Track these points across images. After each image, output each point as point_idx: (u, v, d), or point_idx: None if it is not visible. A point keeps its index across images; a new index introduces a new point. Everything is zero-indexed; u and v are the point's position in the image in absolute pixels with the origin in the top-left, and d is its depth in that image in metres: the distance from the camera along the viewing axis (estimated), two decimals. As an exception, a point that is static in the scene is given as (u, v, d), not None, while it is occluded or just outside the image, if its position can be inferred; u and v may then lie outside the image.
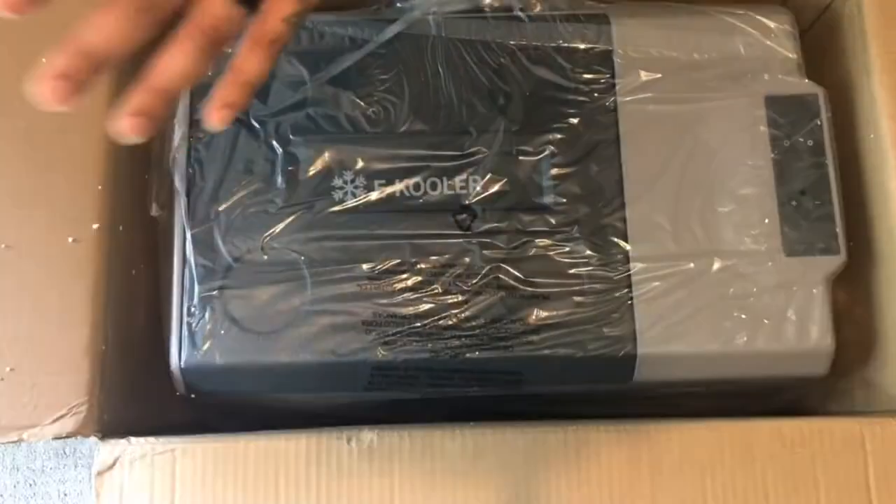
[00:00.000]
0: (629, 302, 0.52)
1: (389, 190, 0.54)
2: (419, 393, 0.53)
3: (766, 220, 0.53)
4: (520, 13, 0.56)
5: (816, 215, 0.53)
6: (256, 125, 0.55)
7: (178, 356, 0.52)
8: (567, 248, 0.53)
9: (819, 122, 0.54)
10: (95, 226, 0.51)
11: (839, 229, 0.53)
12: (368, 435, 0.48)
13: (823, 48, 0.60)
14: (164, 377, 0.53)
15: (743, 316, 0.52)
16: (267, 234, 0.53)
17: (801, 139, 0.54)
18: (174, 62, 0.36)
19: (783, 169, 0.54)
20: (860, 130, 0.56)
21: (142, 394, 0.54)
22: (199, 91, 0.55)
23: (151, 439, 0.48)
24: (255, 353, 0.52)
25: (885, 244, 0.54)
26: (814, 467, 0.48)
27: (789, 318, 0.52)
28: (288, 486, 0.47)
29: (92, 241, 0.51)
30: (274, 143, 0.54)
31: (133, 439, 0.48)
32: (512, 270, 0.52)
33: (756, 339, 0.52)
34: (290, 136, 0.54)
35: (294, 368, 0.52)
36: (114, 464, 0.48)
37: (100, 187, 0.51)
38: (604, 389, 0.54)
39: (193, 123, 0.55)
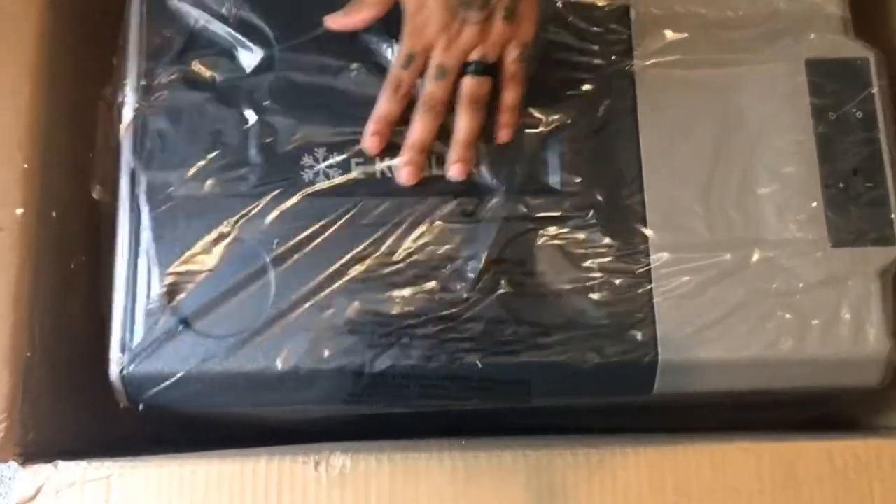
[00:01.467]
0: (652, 299, 0.44)
1: (372, 170, 0.46)
2: (409, 406, 0.46)
3: (810, 205, 0.46)
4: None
5: (867, 199, 0.47)
6: (224, 96, 0.47)
7: (118, 363, 0.44)
8: (581, 237, 0.45)
9: (871, 91, 0.47)
10: (20, 211, 0.43)
11: (894, 215, 0.46)
12: (340, 458, 0.40)
13: (876, 3, 0.52)
14: (107, 387, 0.45)
15: (784, 318, 0.44)
16: (228, 219, 0.46)
17: (850, 110, 0.47)
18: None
19: (828, 145, 0.47)
20: (919, 101, 0.48)
21: (80, 407, 0.47)
22: (154, 52, 0.47)
23: (83, 463, 0.40)
24: (211, 361, 0.44)
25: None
26: (871, 495, 0.41)
27: (838, 321, 0.45)
28: (244, 519, 0.40)
29: (16, 229, 0.43)
30: (244, 115, 0.47)
31: (61, 464, 0.40)
32: (518, 263, 0.45)
33: (804, 343, 0.44)
34: (263, 107, 0.47)
35: (258, 379, 0.45)
36: (36, 494, 0.40)
37: (26, 166, 0.44)
38: (621, 402, 0.46)
39: (149, 90, 0.47)
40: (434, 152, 0.46)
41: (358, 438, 0.45)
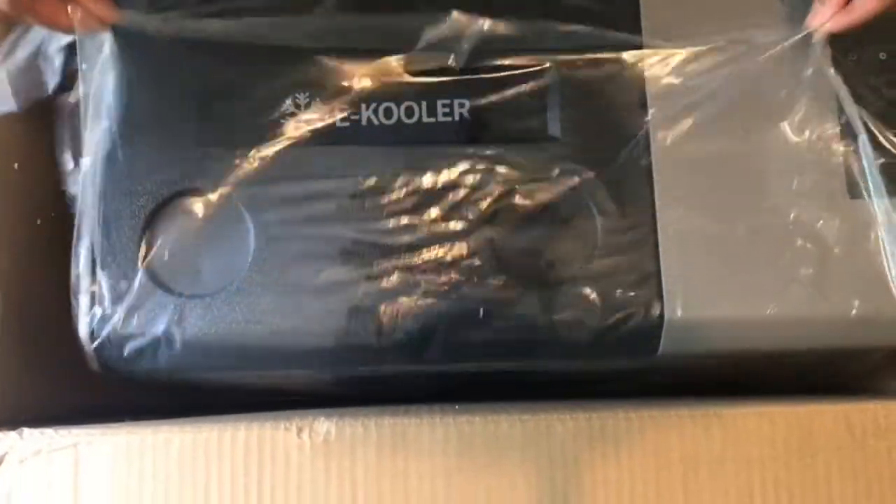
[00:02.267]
0: (659, 255, 0.41)
1: (357, 117, 0.43)
2: (405, 370, 0.44)
3: (830, 155, 0.42)
4: None
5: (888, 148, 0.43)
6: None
7: (88, 326, 0.41)
8: (585, 189, 0.42)
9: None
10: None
11: (916, 168, 0.43)
12: (324, 425, 0.38)
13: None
14: (79, 350, 0.42)
15: (798, 273, 0.41)
16: (204, 171, 0.42)
17: (874, 53, 0.44)
18: None
19: (849, 91, 0.43)
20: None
21: (51, 371, 0.44)
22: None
23: (49, 431, 0.38)
24: (187, 323, 0.41)
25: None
26: (891, 463, 0.39)
27: (864, 274, 0.41)
28: (222, 490, 0.37)
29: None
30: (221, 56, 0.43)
31: (26, 431, 0.38)
32: (518, 218, 0.42)
33: (815, 301, 0.41)
34: (241, 46, 0.43)
35: (238, 342, 0.42)
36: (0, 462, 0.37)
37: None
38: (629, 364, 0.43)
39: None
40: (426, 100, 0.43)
41: (347, 402, 0.42)
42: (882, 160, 0.42)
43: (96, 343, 0.41)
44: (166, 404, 0.47)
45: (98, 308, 0.41)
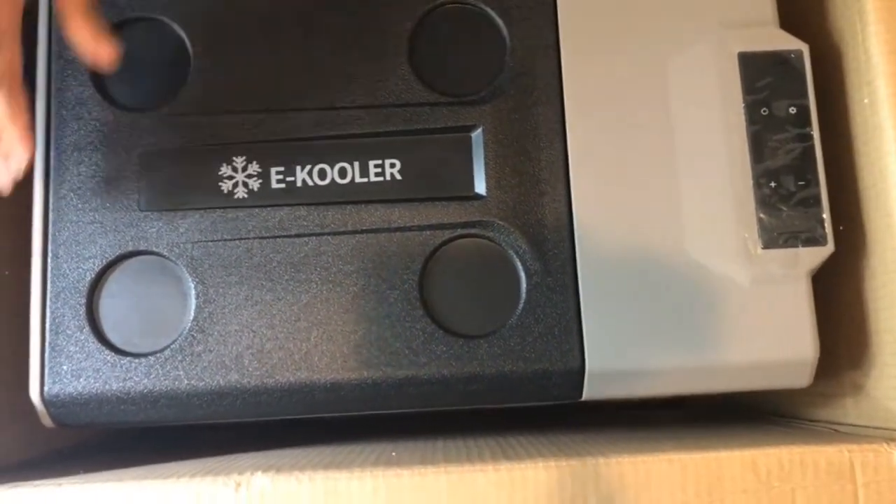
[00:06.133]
0: (580, 307, 0.44)
1: (292, 179, 0.45)
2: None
3: (740, 206, 0.45)
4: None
5: (799, 198, 0.45)
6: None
7: (39, 383, 0.44)
8: (508, 243, 0.45)
9: (805, 85, 0.46)
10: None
11: (826, 214, 0.45)
12: (261, 480, 0.40)
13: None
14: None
15: (713, 322, 0.44)
16: (147, 233, 0.45)
17: (783, 106, 0.46)
18: None
19: (761, 143, 0.45)
20: (851, 94, 0.47)
21: (15, 423, 0.46)
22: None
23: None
24: (132, 381, 0.44)
25: (879, 230, 0.45)
26: (794, 502, 0.41)
27: (766, 324, 0.44)
28: (163, 544, 0.40)
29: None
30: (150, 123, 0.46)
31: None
32: (444, 272, 0.45)
33: (729, 349, 0.44)
34: (180, 107, 0.46)
35: (182, 398, 0.44)
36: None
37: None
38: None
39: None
40: (358, 160, 0.45)
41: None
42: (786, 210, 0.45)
43: (47, 402, 0.44)
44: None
45: (47, 369, 0.44)
